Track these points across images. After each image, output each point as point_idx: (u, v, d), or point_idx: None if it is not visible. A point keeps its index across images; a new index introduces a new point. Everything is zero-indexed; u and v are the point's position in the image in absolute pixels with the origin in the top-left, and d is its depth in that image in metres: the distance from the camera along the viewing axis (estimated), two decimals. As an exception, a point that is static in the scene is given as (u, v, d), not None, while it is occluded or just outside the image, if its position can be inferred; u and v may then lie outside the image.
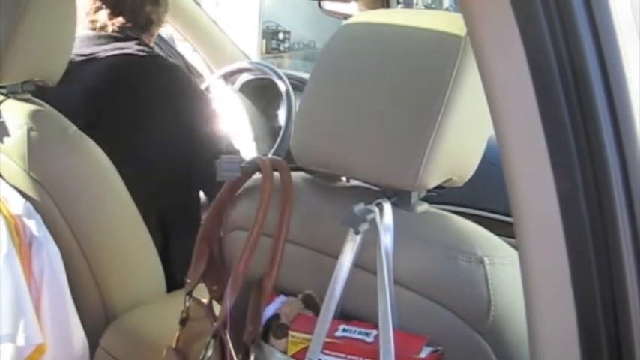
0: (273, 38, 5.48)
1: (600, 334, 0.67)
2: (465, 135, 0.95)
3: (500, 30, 0.67)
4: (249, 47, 3.77)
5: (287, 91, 2.24)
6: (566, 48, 0.65)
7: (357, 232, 0.92)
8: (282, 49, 5.52)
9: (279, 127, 2.28)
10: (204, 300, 1.14)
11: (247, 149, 2.17)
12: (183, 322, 1.16)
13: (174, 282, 1.63)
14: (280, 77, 2.27)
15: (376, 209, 0.92)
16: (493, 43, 0.69)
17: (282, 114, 2.31)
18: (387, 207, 0.93)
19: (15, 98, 1.57)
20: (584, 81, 0.65)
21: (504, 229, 0.91)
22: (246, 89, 2.42)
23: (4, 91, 1.57)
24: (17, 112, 1.52)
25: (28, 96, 1.60)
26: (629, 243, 0.65)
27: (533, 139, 0.67)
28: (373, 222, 0.91)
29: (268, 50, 5.42)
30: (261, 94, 2.39)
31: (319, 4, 2.33)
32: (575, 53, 0.65)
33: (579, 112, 0.65)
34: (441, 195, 1.43)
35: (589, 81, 0.65)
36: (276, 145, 2.20)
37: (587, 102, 0.65)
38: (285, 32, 5.53)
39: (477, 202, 1.79)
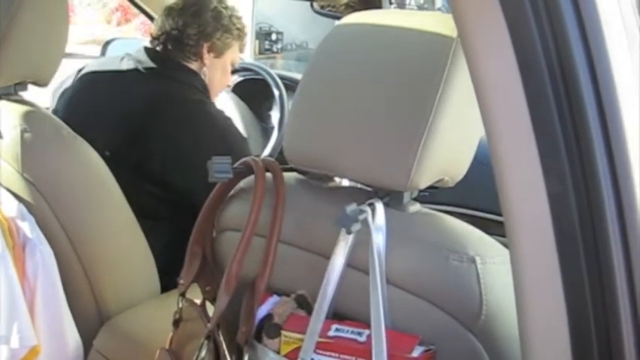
0: (266, 39, 5.49)
1: (591, 333, 0.67)
2: (456, 135, 0.96)
3: (491, 32, 0.68)
4: (242, 48, 3.77)
5: (280, 92, 2.24)
6: (555, 49, 0.65)
7: (349, 232, 0.92)
8: (275, 49, 5.53)
9: (272, 128, 2.29)
10: (198, 301, 1.14)
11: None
12: (176, 323, 1.16)
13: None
14: (273, 78, 2.27)
15: (368, 209, 0.92)
16: (483, 45, 0.69)
17: (274, 115, 2.31)
18: (379, 207, 0.93)
19: (8, 100, 1.57)
20: (573, 82, 0.65)
21: (496, 228, 0.92)
22: (239, 90, 2.42)
23: (-4, 93, 1.57)
24: (11, 114, 1.52)
25: (22, 97, 1.60)
26: (618, 243, 0.65)
27: (523, 140, 0.67)
28: (365, 222, 0.91)
29: (261, 51, 5.43)
30: (254, 94, 2.39)
31: (312, 5, 2.34)
32: (564, 55, 0.65)
33: (569, 113, 0.66)
34: (433, 194, 1.43)
35: (578, 82, 0.65)
36: (268, 146, 2.21)
37: (576, 103, 0.65)
38: (278, 33, 5.54)
39: (468, 201, 1.79)
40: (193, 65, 1.85)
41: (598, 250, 0.66)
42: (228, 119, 1.84)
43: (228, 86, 2.09)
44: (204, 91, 1.84)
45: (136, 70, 1.81)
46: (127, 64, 1.82)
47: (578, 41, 0.65)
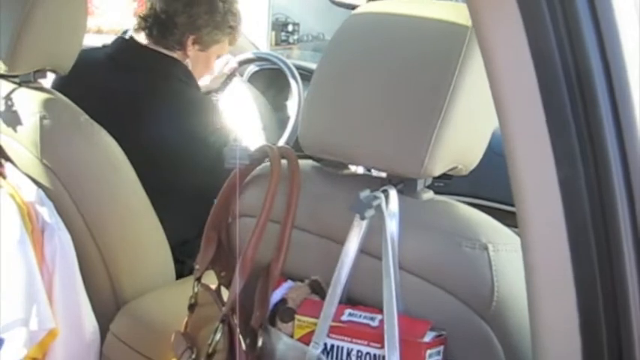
0: (282, 30, 5.47)
1: (600, 320, 0.68)
2: (470, 123, 0.96)
3: (504, 21, 0.68)
4: (258, 39, 3.78)
5: (296, 82, 2.24)
6: (568, 38, 0.66)
7: (362, 218, 0.93)
8: (291, 40, 5.51)
9: (288, 117, 2.29)
10: (213, 286, 1.15)
11: (256, 139, 2.18)
12: (191, 307, 1.17)
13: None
14: (289, 68, 2.28)
15: (382, 196, 0.93)
16: (497, 34, 0.70)
17: (290, 104, 2.32)
18: (393, 194, 0.94)
19: (27, 87, 1.59)
20: (585, 71, 0.66)
21: (511, 220, 0.92)
22: (255, 80, 2.42)
23: (16, 80, 1.59)
24: (30, 101, 1.54)
25: (41, 85, 1.62)
26: (628, 229, 0.66)
27: (535, 128, 0.68)
28: (379, 208, 0.92)
29: (278, 42, 5.41)
30: (270, 84, 2.39)
31: (328, -4, 2.34)
32: (577, 43, 0.66)
33: (581, 101, 0.66)
34: (448, 185, 1.44)
35: (590, 70, 0.66)
36: (285, 135, 2.21)
37: (588, 91, 0.66)
38: (294, 24, 5.52)
39: (483, 192, 1.79)
40: (176, 54, 1.76)
41: (609, 237, 0.66)
42: (206, 99, 1.79)
43: (213, 75, 2.03)
44: (185, 79, 1.75)
45: (110, 62, 1.75)
46: (102, 56, 1.77)
47: (591, 29, 0.65)
